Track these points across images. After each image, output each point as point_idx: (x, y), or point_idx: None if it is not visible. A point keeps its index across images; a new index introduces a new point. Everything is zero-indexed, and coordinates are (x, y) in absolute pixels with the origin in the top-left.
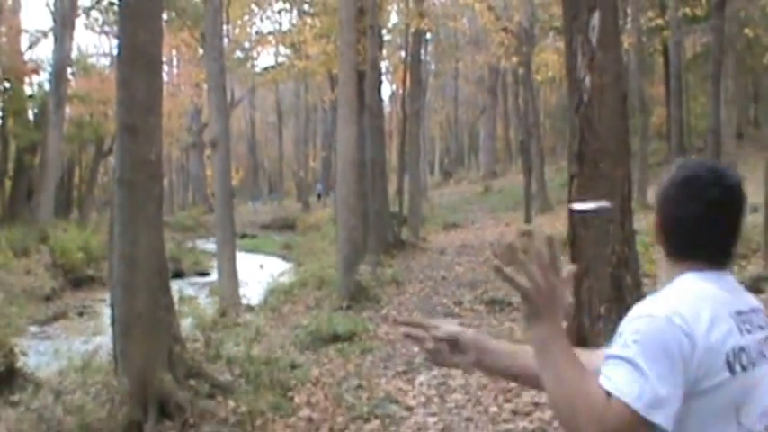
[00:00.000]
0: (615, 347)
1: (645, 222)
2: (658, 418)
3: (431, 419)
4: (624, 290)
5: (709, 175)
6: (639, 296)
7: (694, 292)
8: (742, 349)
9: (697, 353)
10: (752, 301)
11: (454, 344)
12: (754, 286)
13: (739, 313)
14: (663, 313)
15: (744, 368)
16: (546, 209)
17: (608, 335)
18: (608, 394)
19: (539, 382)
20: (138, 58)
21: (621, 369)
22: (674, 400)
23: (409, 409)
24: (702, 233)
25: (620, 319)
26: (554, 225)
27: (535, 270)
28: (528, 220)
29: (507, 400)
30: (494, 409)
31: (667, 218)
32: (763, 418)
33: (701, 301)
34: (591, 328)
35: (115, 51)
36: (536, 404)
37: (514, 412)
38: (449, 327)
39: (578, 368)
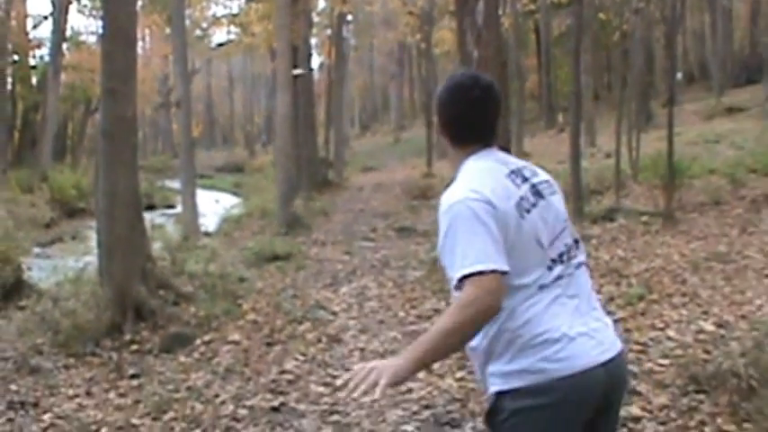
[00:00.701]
0: (441, 241)
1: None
2: (499, 264)
3: (351, 322)
4: None
5: (469, 80)
6: None
7: (476, 170)
8: (522, 198)
9: (498, 212)
10: (518, 162)
11: None
12: (607, 216)
13: (512, 172)
14: (460, 196)
15: (528, 211)
16: (443, 155)
17: None
18: (463, 278)
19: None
20: (118, 36)
21: (456, 252)
22: (497, 248)
23: (334, 313)
24: (471, 123)
25: None
26: (449, 169)
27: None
28: (429, 164)
29: (413, 307)
30: (401, 314)
31: (444, 116)
32: (557, 240)
33: (484, 175)
34: None
35: (100, 30)
36: (436, 310)
37: (419, 316)
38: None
39: (433, 332)
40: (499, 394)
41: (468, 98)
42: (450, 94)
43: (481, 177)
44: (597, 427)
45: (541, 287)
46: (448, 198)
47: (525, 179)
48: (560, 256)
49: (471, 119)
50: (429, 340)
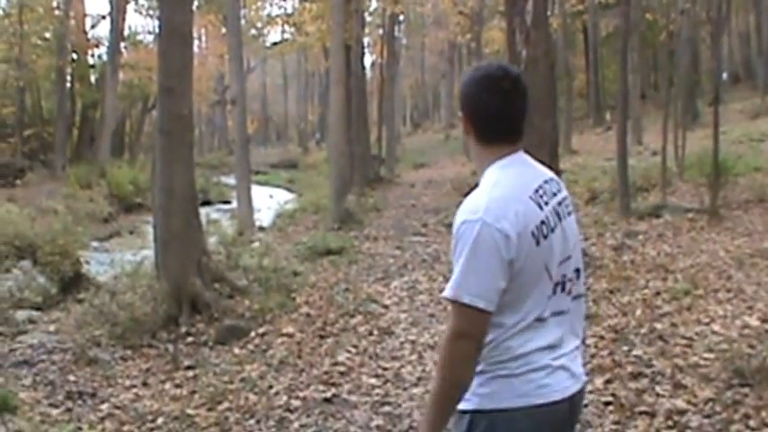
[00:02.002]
0: (453, 245)
1: (570, 162)
2: (481, 303)
3: (402, 315)
4: None
5: (498, 71)
6: None
7: (503, 184)
8: (543, 222)
9: (511, 242)
10: (546, 172)
11: None
12: (654, 212)
13: (537, 190)
14: (480, 214)
15: (545, 236)
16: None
17: None
18: (453, 301)
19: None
20: (174, 35)
21: (459, 268)
22: (496, 285)
23: (386, 307)
24: (499, 117)
25: None
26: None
27: None
28: None
29: None
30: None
31: (471, 109)
32: (563, 265)
33: (509, 192)
34: None
35: (157, 30)
36: None
37: None
38: None
39: (436, 384)
40: (473, 413)
41: (497, 89)
42: (478, 85)
43: (506, 196)
44: None
45: (537, 318)
46: (469, 207)
47: (552, 196)
48: (558, 285)
49: (500, 112)
50: (431, 412)
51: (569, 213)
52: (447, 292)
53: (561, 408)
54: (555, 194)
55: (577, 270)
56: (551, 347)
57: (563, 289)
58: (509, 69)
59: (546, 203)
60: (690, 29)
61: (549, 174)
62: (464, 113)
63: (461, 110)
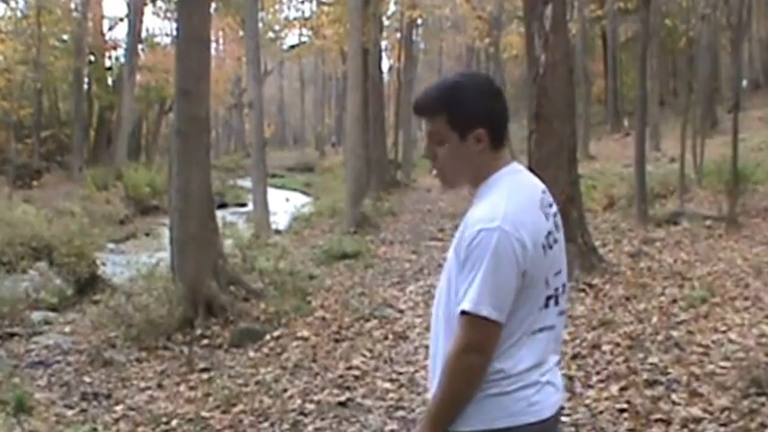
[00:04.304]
0: (464, 258)
1: (588, 168)
2: (496, 315)
3: (417, 320)
4: (571, 222)
5: (480, 76)
6: (583, 227)
7: (517, 192)
8: (550, 233)
9: (528, 252)
10: (538, 182)
11: None
12: (671, 219)
13: (541, 200)
14: (499, 222)
15: (551, 248)
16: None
17: None
18: (466, 313)
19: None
20: (192, 38)
21: (475, 282)
22: (512, 297)
23: (401, 311)
24: (500, 119)
25: (567, 244)
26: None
27: None
28: None
29: None
30: None
31: (487, 118)
32: (556, 277)
33: (524, 201)
34: None
35: (174, 32)
36: None
37: None
38: None
39: (437, 399)
40: None
41: (500, 95)
42: (484, 93)
43: (522, 204)
44: None
45: (530, 332)
46: (485, 215)
47: (549, 207)
48: (551, 298)
49: (505, 116)
50: (429, 428)
51: (559, 226)
52: (467, 305)
53: (549, 423)
54: (551, 205)
55: (564, 285)
56: (539, 364)
57: (556, 302)
58: (485, 74)
59: (549, 214)
60: (710, 35)
61: (542, 184)
62: (473, 122)
63: (464, 120)
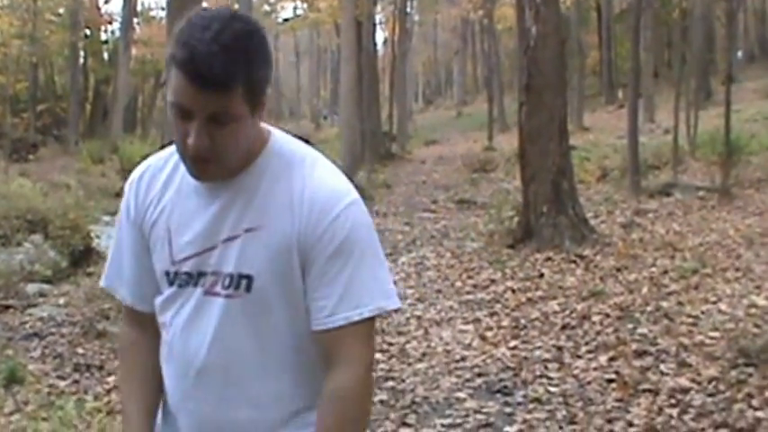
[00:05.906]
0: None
1: (582, 140)
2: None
3: (409, 291)
4: (562, 193)
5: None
6: (574, 198)
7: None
8: None
9: None
10: None
11: None
12: (664, 191)
13: None
14: (359, 201)
15: None
16: (504, 129)
17: (548, 229)
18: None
19: None
20: (185, 11)
21: (383, 275)
22: None
23: (393, 283)
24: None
25: (558, 216)
26: (510, 142)
27: None
28: (490, 138)
29: (470, 277)
30: (458, 283)
31: (258, 82)
32: None
33: None
34: (535, 223)
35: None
36: (492, 280)
37: (475, 286)
38: None
39: None
40: None
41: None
42: (258, 56)
43: None
44: None
45: None
46: (344, 186)
47: None
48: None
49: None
50: None
51: None
52: (390, 301)
53: None
54: None
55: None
56: None
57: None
58: None
59: None
60: (704, 6)
61: None
62: (265, 86)
63: (264, 84)
